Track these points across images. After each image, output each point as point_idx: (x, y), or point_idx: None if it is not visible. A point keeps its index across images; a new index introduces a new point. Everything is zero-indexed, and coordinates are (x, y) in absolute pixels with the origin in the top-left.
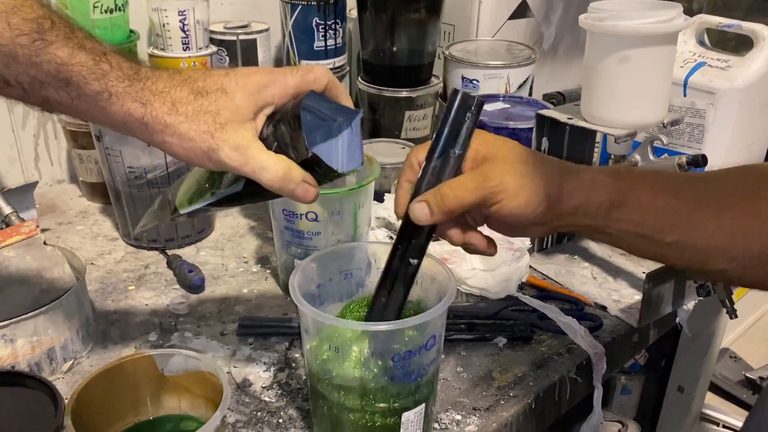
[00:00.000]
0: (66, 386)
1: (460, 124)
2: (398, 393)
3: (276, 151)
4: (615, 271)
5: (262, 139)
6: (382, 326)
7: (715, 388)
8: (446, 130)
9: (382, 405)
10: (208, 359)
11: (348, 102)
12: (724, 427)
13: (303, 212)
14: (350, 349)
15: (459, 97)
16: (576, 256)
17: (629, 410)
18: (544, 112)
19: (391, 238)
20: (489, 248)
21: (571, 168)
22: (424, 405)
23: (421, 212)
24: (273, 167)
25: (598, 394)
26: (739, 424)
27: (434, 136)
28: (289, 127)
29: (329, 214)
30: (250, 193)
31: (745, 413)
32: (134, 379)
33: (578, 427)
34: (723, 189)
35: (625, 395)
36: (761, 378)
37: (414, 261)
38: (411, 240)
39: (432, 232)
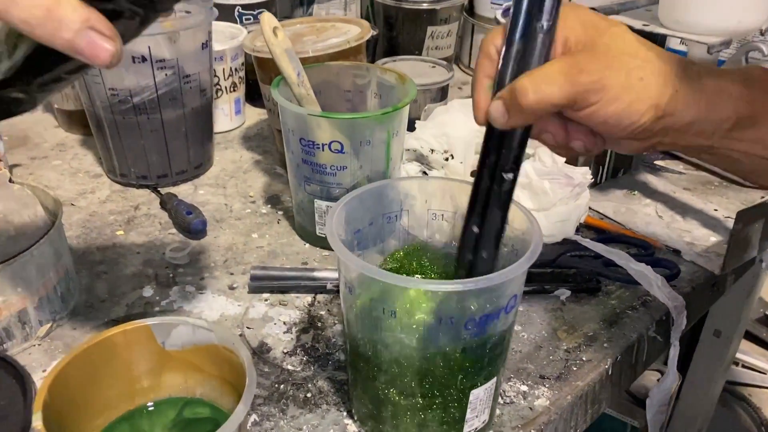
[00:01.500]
0: (44, 355)
1: None
2: (469, 366)
3: None
4: (682, 209)
5: None
6: (457, 286)
7: None
8: None
9: (447, 382)
10: (224, 330)
11: None
12: (744, 366)
13: (326, 142)
14: (411, 313)
15: None
16: (635, 192)
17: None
18: (614, 17)
19: (425, 173)
20: (596, 145)
21: (692, 69)
22: (495, 379)
23: (497, 112)
24: None
25: (674, 353)
26: (758, 363)
27: (512, 9)
28: None
29: (357, 144)
30: (43, 57)
31: (765, 352)
32: (127, 356)
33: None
34: None
35: None
36: None
37: (508, 176)
38: (500, 150)
39: (527, 135)
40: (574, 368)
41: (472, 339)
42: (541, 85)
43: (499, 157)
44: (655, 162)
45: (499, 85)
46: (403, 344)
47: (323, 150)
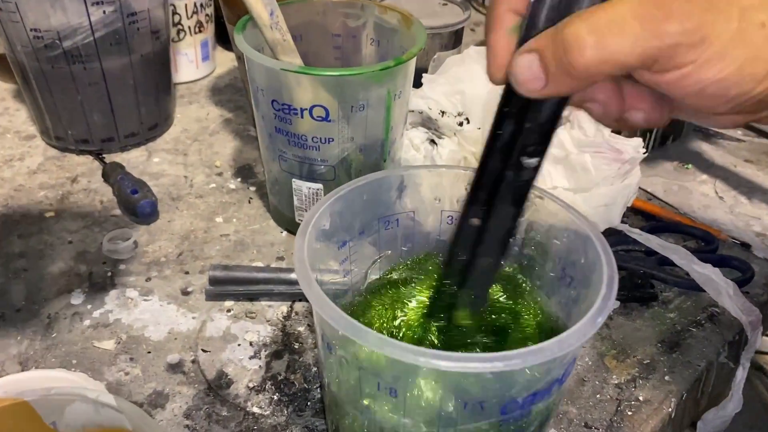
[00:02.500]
0: None
1: None
2: None
3: None
4: (747, 187)
5: None
6: (495, 363)
7: None
8: None
9: None
10: (137, 413)
11: None
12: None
13: (306, 106)
14: (420, 394)
15: None
16: (689, 165)
17: None
18: None
19: (434, 142)
20: (663, 117)
21: None
22: None
23: (527, 72)
24: None
25: (742, 375)
26: None
27: None
28: None
29: (347, 109)
30: None
31: None
32: None
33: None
34: None
35: None
36: None
37: (531, 161)
38: (522, 123)
39: (564, 103)
40: (629, 412)
41: (510, 424)
42: (607, 37)
43: (520, 132)
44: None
45: (531, 26)
46: None
47: (302, 116)
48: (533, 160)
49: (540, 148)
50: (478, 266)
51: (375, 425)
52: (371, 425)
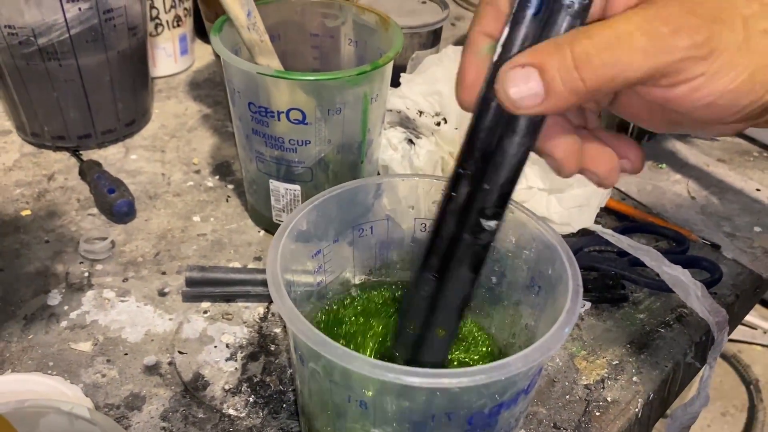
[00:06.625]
0: None
1: None
2: None
3: None
4: (718, 187)
5: None
6: (460, 379)
7: None
8: None
9: None
10: (107, 422)
11: None
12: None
13: (283, 109)
14: (389, 406)
15: None
16: (663, 165)
17: None
18: None
19: (411, 142)
20: (611, 174)
21: None
22: None
23: (523, 87)
24: None
25: (709, 374)
26: (749, 318)
27: None
28: None
29: (324, 111)
30: None
31: (757, 305)
32: None
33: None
34: None
35: None
36: None
37: (490, 224)
38: (483, 175)
39: (531, 140)
40: (597, 413)
41: None
42: (617, 52)
43: (483, 176)
44: None
45: (504, 49)
46: None
47: (279, 119)
48: (492, 223)
49: (499, 209)
50: (432, 339)
51: None
52: None
